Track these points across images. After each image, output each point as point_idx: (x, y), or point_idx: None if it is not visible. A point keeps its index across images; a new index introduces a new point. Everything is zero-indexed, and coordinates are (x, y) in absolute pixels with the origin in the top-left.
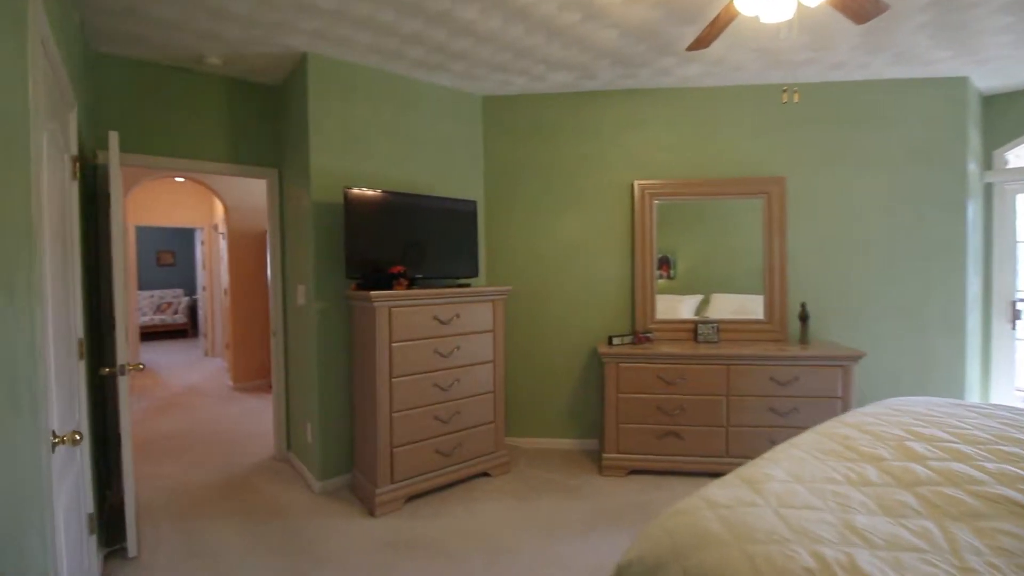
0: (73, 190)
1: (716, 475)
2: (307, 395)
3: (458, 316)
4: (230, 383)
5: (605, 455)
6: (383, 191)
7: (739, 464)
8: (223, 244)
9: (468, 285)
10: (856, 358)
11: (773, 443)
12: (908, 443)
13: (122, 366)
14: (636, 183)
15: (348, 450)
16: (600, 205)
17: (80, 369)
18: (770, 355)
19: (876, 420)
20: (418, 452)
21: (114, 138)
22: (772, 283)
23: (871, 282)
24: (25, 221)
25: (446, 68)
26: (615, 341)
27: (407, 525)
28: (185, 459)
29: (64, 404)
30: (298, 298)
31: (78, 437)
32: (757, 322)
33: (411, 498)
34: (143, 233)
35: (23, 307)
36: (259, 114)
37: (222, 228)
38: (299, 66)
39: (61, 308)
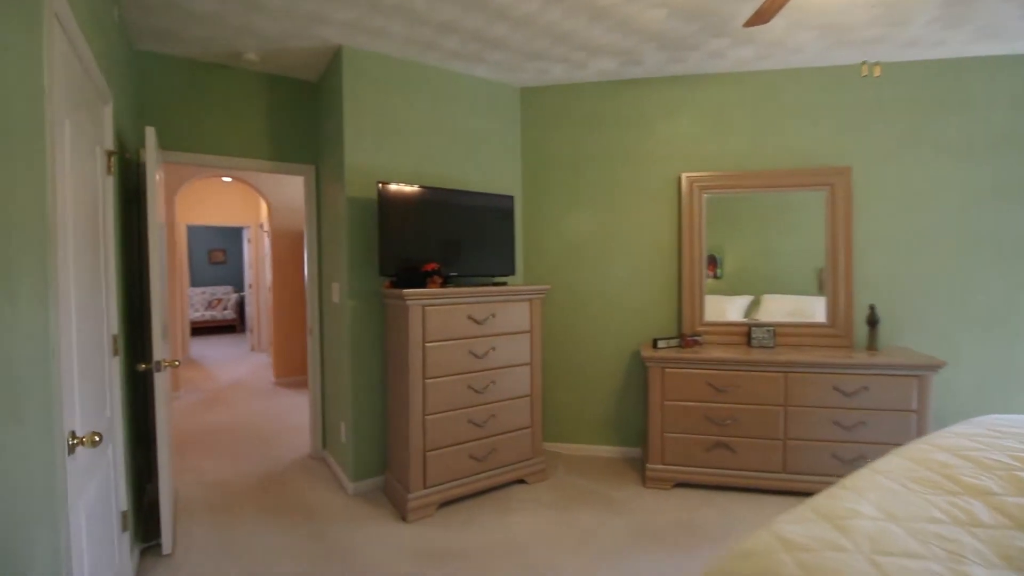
0: (108, 185)
1: (772, 493)
2: (341, 394)
3: (494, 316)
4: (273, 378)
5: (649, 466)
6: (418, 186)
7: (798, 482)
8: (267, 242)
9: (504, 283)
10: (935, 367)
11: (837, 459)
12: (1019, 473)
13: (157, 362)
14: (684, 176)
15: (382, 451)
16: (644, 200)
17: (114, 366)
18: (835, 362)
19: (975, 443)
20: (451, 457)
21: (151, 134)
22: (835, 283)
23: (949, 284)
24: (36, 219)
25: (482, 58)
26: (660, 344)
27: (439, 534)
28: (225, 454)
29: (91, 403)
30: (333, 296)
31: (97, 439)
32: (818, 326)
33: (444, 504)
34: (196, 232)
35: (28, 311)
36: (297, 111)
37: (266, 227)
38: (334, 60)
39: (90, 306)
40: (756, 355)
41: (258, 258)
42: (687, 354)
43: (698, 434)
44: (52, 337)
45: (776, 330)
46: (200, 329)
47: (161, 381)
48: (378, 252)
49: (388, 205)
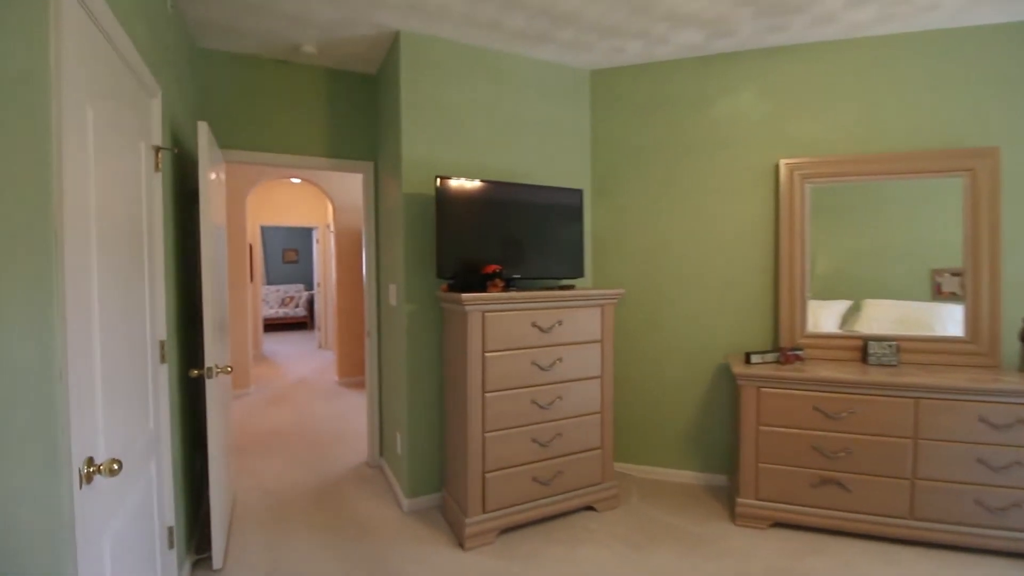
0: (155, 182)
1: (896, 542)
2: (397, 403)
3: (560, 323)
4: (336, 377)
5: (740, 500)
6: (479, 181)
7: (930, 531)
8: (333, 242)
9: (572, 287)
10: None
11: (981, 506)
12: None
13: (209, 368)
14: (783, 163)
15: (439, 467)
16: (733, 191)
17: (162, 373)
18: (982, 388)
19: None
20: (513, 479)
21: (203, 130)
22: (977, 289)
23: None
24: (37, 219)
25: (549, 38)
26: (754, 359)
27: (500, 566)
28: (284, 457)
29: (125, 418)
30: (390, 298)
31: (116, 467)
32: (951, 340)
33: (505, 531)
34: (270, 232)
35: (22, 330)
36: (356, 105)
37: (332, 227)
38: (392, 49)
39: (127, 311)
40: (876, 375)
41: (325, 258)
42: (788, 372)
43: (802, 467)
44: (57, 359)
45: (900, 345)
46: (274, 326)
47: (215, 388)
48: (436, 252)
49: (447, 201)
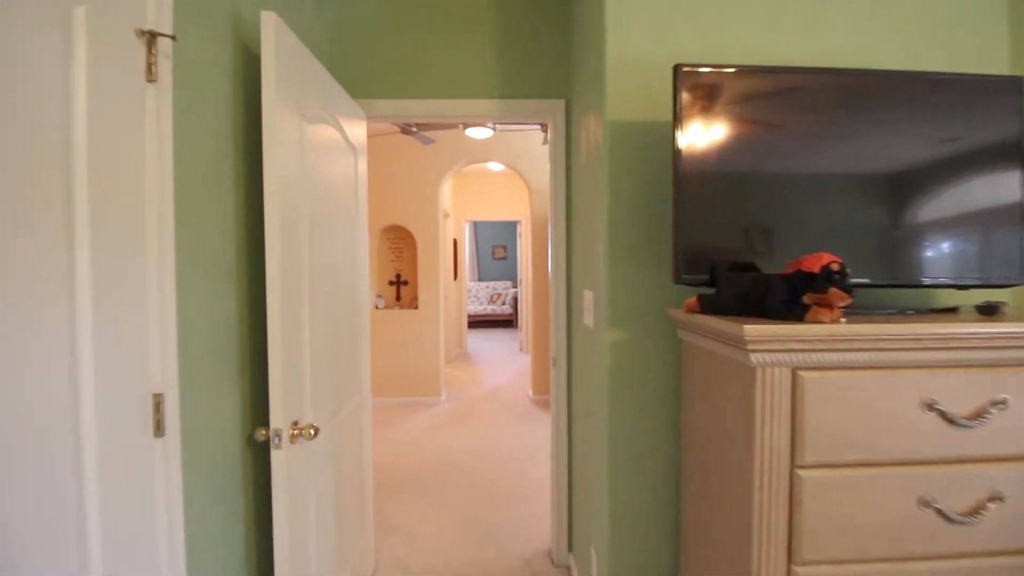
0: (150, 103)
1: None
2: (593, 490)
3: (1002, 406)
4: (531, 393)
5: None
6: (769, 68)
7: None
8: (529, 232)
9: (999, 310)
10: None
11: None
12: None
13: (277, 430)
14: None
15: None
16: None
17: (160, 451)
18: None
19: None
20: None
21: (269, 21)
22: None
23: None
24: None
25: None
26: None
27: None
28: (446, 512)
29: None
30: (584, 314)
31: None
32: None
33: None
34: (483, 228)
35: None
36: (539, 13)
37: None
38: None
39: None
40: None
41: (527, 252)
42: None
43: None
44: None
45: None
46: (481, 322)
47: (289, 463)
48: (672, 229)
49: (699, 116)
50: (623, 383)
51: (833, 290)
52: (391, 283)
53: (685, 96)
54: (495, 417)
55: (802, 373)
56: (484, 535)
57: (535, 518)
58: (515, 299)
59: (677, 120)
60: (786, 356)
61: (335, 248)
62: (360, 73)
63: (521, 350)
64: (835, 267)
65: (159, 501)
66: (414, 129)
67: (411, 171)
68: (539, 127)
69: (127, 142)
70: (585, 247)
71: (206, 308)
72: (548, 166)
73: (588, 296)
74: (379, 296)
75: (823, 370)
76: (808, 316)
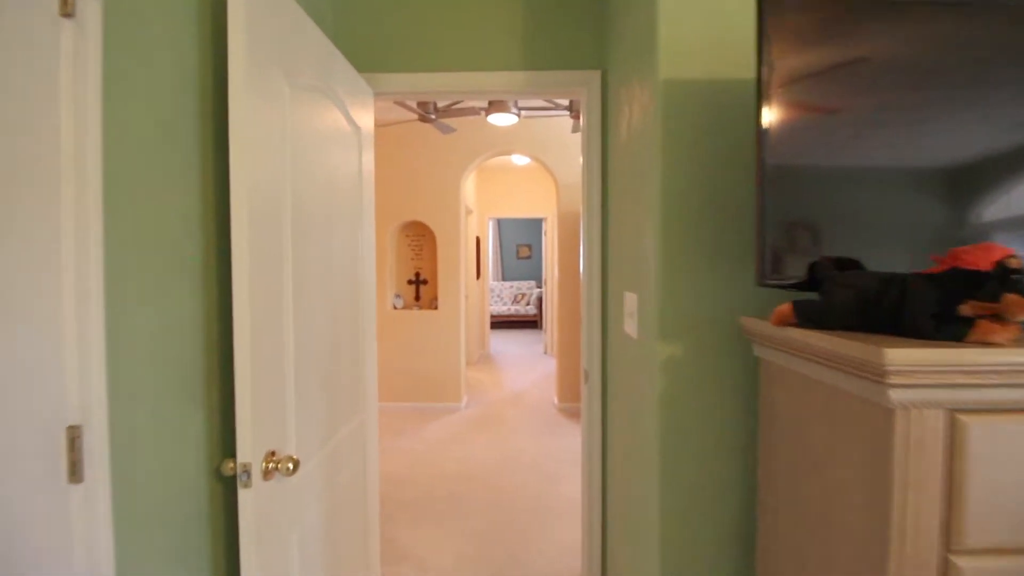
0: (63, 37)
1: None
2: (638, 538)
3: None
4: (556, 400)
5: None
6: None
7: None
8: (556, 229)
9: None
10: None
11: None
12: None
13: (245, 465)
14: None
15: None
16: None
17: (82, 506)
18: None
19: None
20: None
21: None
22: None
23: None
24: None
25: None
26: None
27: None
28: (463, 537)
29: None
30: (624, 322)
31: None
32: None
33: None
34: (507, 226)
35: None
36: None
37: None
38: None
39: None
40: None
41: (552, 250)
42: None
43: None
44: None
45: None
46: (504, 323)
47: (273, 501)
48: (756, 209)
49: (796, 55)
50: (679, 416)
51: (1010, 297)
52: (410, 282)
53: (777, 23)
54: (518, 424)
55: (962, 417)
56: (505, 566)
57: (558, 552)
58: (539, 299)
59: (766, 65)
60: (942, 393)
61: (334, 247)
62: (367, 44)
63: (545, 352)
64: (1014, 263)
65: (78, 572)
66: (433, 116)
67: (431, 163)
68: (567, 113)
69: (31, 92)
70: (626, 240)
71: (156, 311)
72: (576, 157)
73: (630, 299)
74: (397, 296)
75: (993, 413)
76: (974, 334)
